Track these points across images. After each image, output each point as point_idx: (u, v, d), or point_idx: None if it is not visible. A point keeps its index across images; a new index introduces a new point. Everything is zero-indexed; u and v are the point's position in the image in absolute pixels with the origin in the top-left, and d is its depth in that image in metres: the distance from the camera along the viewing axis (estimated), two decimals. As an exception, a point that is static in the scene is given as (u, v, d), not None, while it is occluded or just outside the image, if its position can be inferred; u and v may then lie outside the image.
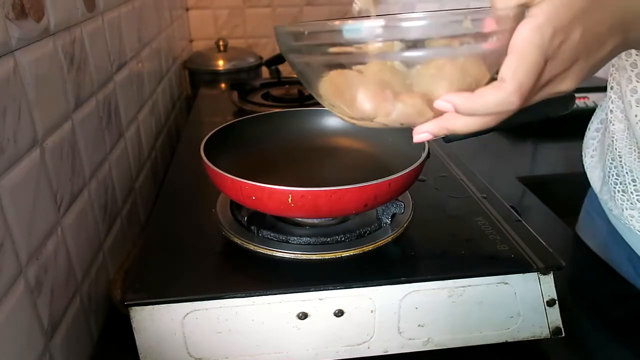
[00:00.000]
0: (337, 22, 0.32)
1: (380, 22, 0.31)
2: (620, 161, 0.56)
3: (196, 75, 1.24)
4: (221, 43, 1.23)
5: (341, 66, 0.34)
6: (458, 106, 0.32)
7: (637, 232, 0.55)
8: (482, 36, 0.31)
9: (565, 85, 0.34)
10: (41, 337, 0.42)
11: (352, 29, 0.31)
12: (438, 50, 0.31)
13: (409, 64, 0.32)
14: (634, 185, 0.55)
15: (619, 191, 0.57)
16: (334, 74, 0.35)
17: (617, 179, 0.57)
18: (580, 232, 0.70)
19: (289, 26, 0.36)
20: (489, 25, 0.31)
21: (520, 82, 0.31)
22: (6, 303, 0.37)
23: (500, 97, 0.31)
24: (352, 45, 0.32)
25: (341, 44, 0.32)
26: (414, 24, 0.31)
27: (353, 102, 0.35)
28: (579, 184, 0.69)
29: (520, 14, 0.31)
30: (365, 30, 0.31)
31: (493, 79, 0.33)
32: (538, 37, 0.30)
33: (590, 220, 0.68)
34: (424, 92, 0.33)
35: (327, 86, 0.36)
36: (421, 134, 0.36)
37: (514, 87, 0.31)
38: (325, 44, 0.33)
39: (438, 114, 0.34)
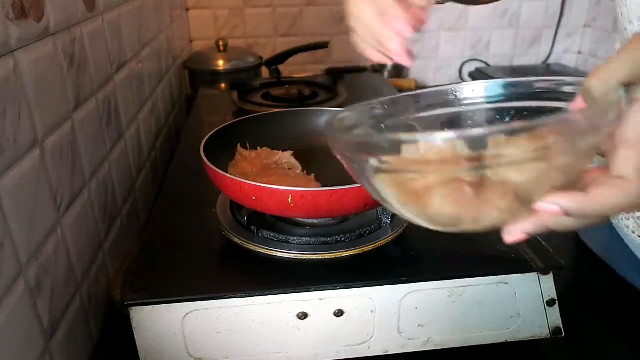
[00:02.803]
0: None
1: (454, 133, 0.26)
2: None
3: (196, 75, 1.24)
4: (221, 43, 1.23)
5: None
6: (570, 210, 0.27)
7: (634, 239, 0.55)
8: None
9: None
10: (41, 337, 0.42)
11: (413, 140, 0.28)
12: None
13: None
14: None
15: None
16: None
17: None
18: (582, 232, 0.70)
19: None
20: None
21: None
22: (6, 303, 0.37)
23: (624, 199, 0.27)
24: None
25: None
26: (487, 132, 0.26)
27: (426, 207, 0.30)
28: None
29: (623, 96, 0.27)
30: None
31: None
32: None
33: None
34: (510, 187, 0.28)
35: (389, 186, 0.30)
36: (516, 235, 0.30)
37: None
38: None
39: (531, 212, 0.29)
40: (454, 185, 0.28)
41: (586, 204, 0.27)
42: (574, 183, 0.28)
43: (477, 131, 0.27)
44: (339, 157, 0.32)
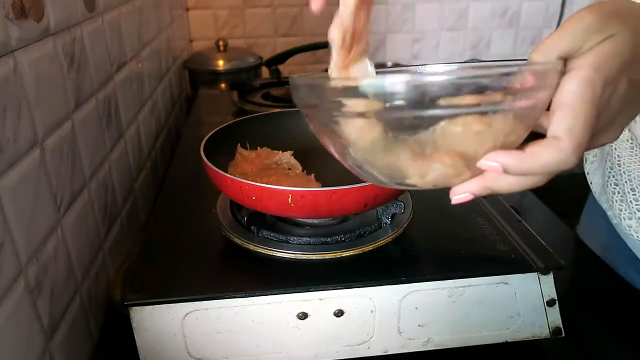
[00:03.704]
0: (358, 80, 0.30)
1: (404, 77, 0.28)
2: (619, 169, 0.56)
3: (196, 75, 1.24)
4: (221, 43, 1.23)
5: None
6: (509, 167, 0.30)
7: (636, 240, 0.55)
8: (519, 92, 0.29)
9: (608, 137, 0.33)
10: (41, 337, 0.42)
11: (372, 85, 0.29)
12: (483, 107, 0.28)
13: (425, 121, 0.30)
14: (633, 195, 0.54)
15: (617, 200, 0.57)
16: None
17: (616, 188, 0.57)
18: (581, 232, 0.70)
19: (305, 78, 0.34)
20: (528, 81, 0.29)
21: (578, 140, 0.29)
22: (6, 303, 0.36)
23: (558, 156, 0.29)
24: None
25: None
26: (440, 79, 0.28)
27: (377, 157, 0.32)
28: (580, 184, 0.69)
29: (560, 67, 0.29)
30: (387, 86, 0.29)
31: None
32: (590, 91, 0.29)
33: (591, 221, 0.68)
34: (456, 151, 0.30)
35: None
36: (461, 195, 0.32)
37: (572, 145, 0.29)
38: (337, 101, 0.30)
39: (475, 173, 0.32)
40: (406, 138, 0.30)
41: (524, 161, 0.30)
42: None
43: (427, 77, 0.29)
44: (304, 113, 0.34)
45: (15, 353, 0.38)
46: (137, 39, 0.80)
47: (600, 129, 0.31)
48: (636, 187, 0.54)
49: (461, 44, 1.51)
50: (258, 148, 0.62)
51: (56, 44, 0.47)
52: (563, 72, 0.30)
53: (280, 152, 0.61)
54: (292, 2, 1.38)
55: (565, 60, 0.30)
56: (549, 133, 0.30)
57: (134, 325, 0.44)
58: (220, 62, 1.22)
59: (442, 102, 0.28)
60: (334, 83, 0.33)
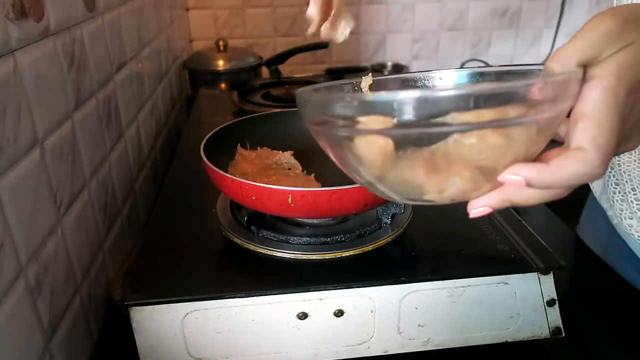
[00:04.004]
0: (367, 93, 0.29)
1: (420, 93, 0.28)
2: (620, 169, 0.56)
3: (196, 75, 1.24)
4: (221, 43, 1.23)
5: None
6: (532, 180, 0.29)
7: (637, 240, 0.55)
8: (541, 104, 0.28)
9: (629, 145, 0.32)
10: (41, 337, 0.42)
11: (381, 100, 0.28)
12: (506, 122, 0.27)
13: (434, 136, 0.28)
14: (634, 194, 0.54)
15: (617, 200, 0.57)
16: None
17: (616, 188, 0.57)
18: (582, 232, 0.70)
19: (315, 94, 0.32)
20: (550, 92, 0.28)
21: (603, 150, 0.28)
22: (6, 303, 0.37)
23: (583, 168, 0.28)
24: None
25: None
26: (454, 94, 0.27)
27: (391, 174, 0.31)
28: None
29: (581, 75, 0.29)
30: (397, 102, 0.27)
31: None
32: (613, 99, 0.28)
33: (591, 220, 0.68)
34: (474, 164, 0.29)
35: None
36: (479, 209, 0.31)
37: (598, 156, 0.28)
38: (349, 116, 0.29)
39: (494, 186, 0.30)
40: (421, 153, 0.29)
41: (547, 174, 0.28)
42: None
43: (438, 92, 0.28)
44: (312, 129, 0.33)
45: (15, 353, 0.38)
46: (137, 39, 0.80)
47: (622, 137, 0.30)
48: (637, 186, 0.54)
49: (461, 44, 1.51)
50: (258, 148, 0.62)
51: (56, 44, 0.47)
52: (584, 81, 0.29)
53: (280, 152, 0.61)
54: (292, 2, 1.38)
55: (585, 68, 0.29)
56: (573, 144, 0.28)
57: (134, 325, 0.44)
58: (220, 62, 1.22)
59: (463, 118, 0.27)
60: (346, 99, 0.32)
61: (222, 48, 1.23)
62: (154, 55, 0.92)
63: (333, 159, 0.34)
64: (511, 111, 0.27)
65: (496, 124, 0.27)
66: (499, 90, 0.27)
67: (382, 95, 0.29)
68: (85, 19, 0.56)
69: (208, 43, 1.36)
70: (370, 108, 0.28)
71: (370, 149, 0.30)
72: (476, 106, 0.27)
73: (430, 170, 0.29)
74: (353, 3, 1.38)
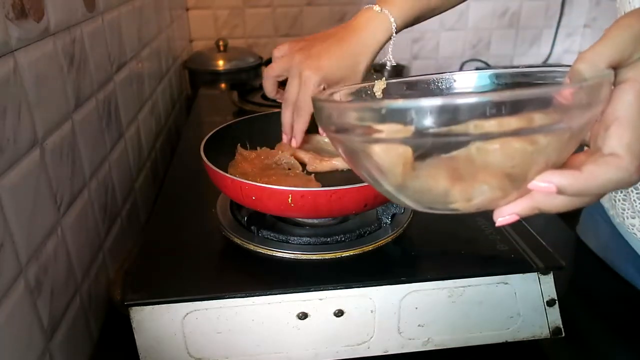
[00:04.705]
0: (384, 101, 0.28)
1: (445, 100, 0.27)
2: None
3: (196, 75, 1.24)
4: (221, 43, 1.23)
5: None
6: (564, 188, 0.28)
7: (639, 239, 0.55)
8: (572, 109, 0.26)
9: None
10: (41, 337, 0.42)
11: (401, 107, 0.27)
12: (539, 129, 0.26)
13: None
14: (637, 193, 0.54)
15: (619, 199, 0.57)
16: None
17: None
18: (582, 232, 0.70)
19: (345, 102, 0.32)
20: (584, 97, 0.26)
21: (638, 156, 0.27)
22: (6, 303, 0.37)
23: (618, 175, 0.27)
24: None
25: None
26: (477, 100, 0.26)
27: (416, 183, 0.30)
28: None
29: (612, 78, 0.28)
30: (417, 109, 0.26)
31: None
32: None
33: (592, 220, 0.68)
34: (502, 171, 0.28)
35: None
36: (507, 217, 0.30)
37: (634, 162, 0.27)
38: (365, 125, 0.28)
39: (522, 193, 0.29)
40: (441, 160, 0.28)
41: (581, 182, 0.27)
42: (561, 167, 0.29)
43: (462, 99, 0.27)
44: (328, 136, 0.32)
45: (15, 353, 0.38)
46: (137, 39, 0.80)
47: None
48: (639, 185, 0.54)
49: (461, 44, 1.51)
50: (258, 148, 0.62)
51: (56, 44, 0.47)
52: (615, 83, 0.28)
53: (280, 152, 0.61)
54: (292, 2, 1.38)
55: (615, 70, 0.28)
56: (606, 150, 0.27)
57: (134, 325, 0.44)
58: (220, 62, 1.22)
59: (491, 126, 0.26)
60: (364, 106, 0.31)
61: (222, 48, 1.23)
62: (154, 55, 0.92)
63: (350, 166, 0.33)
64: (537, 117, 0.26)
65: (525, 132, 0.26)
66: (527, 97, 0.26)
67: (402, 103, 0.28)
68: (85, 19, 0.56)
69: (208, 43, 1.36)
70: (390, 115, 0.27)
71: (389, 157, 0.29)
72: (503, 113, 0.25)
73: (455, 179, 0.28)
74: (354, 3, 1.38)
